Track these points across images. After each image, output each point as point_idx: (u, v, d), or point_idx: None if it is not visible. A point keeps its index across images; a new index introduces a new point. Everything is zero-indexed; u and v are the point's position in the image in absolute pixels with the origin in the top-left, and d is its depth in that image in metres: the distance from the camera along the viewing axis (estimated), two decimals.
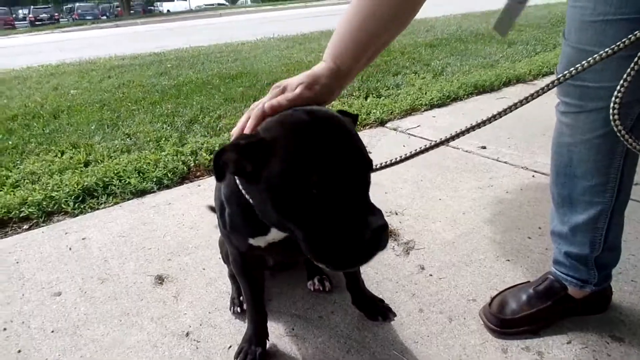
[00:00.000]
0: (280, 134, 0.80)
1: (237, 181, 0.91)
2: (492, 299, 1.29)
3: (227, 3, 32.98)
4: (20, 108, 3.71)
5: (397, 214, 1.90)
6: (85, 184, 2.21)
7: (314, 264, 1.48)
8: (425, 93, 3.51)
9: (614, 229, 1.15)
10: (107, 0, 42.92)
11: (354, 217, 0.77)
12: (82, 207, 2.11)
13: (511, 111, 1.03)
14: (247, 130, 0.88)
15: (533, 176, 2.16)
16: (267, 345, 1.22)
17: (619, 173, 1.07)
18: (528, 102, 1.00)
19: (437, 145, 1.18)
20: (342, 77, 0.93)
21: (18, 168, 2.46)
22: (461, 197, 2.01)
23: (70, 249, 1.79)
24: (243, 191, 0.90)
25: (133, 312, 1.41)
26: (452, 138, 1.12)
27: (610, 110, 0.89)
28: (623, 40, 0.85)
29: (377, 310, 1.31)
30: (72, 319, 1.40)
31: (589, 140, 1.06)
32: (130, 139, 2.81)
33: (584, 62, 0.89)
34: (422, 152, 1.19)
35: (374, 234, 0.76)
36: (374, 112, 3.12)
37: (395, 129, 2.94)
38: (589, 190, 1.11)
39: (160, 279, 1.56)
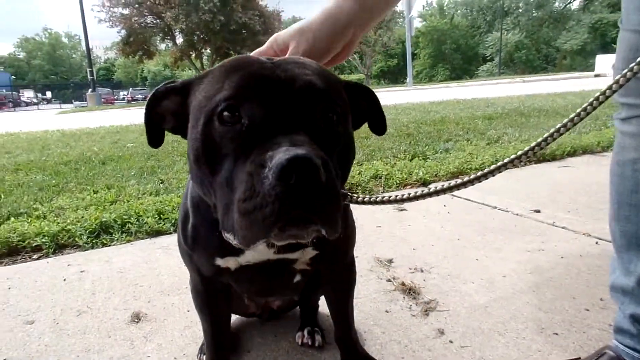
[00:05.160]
0: (214, 69, 0.69)
1: None
2: None
3: None
4: (77, 155, 3.94)
5: (422, 271, 1.62)
6: (104, 219, 2.16)
7: (308, 311, 1.25)
8: (476, 157, 3.26)
9: None
10: None
11: (259, 154, 0.54)
12: (94, 242, 2.04)
13: (566, 130, 0.79)
14: None
15: (597, 243, 1.80)
16: None
17: None
18: (588, 113, 0.75)
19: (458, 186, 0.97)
20: (342, 20, 0.80)
21: (50, 203, 2.50)
22: (503, 258, 1.69)
23: (64, 280, 1.68)
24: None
25: (95, 349, 1.23)
26: (479, 178, 0.91)
27: None
28: None
29: None
30: (30, 349, 1.24)
31: None
32: (163, 184, 2.81)
33: None
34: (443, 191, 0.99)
35: (276, 174, 0.50)
36: (416, 172, 2.91)
37: None
38: None
39: (137, 317, 1.38)
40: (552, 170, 3.07)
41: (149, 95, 0.73)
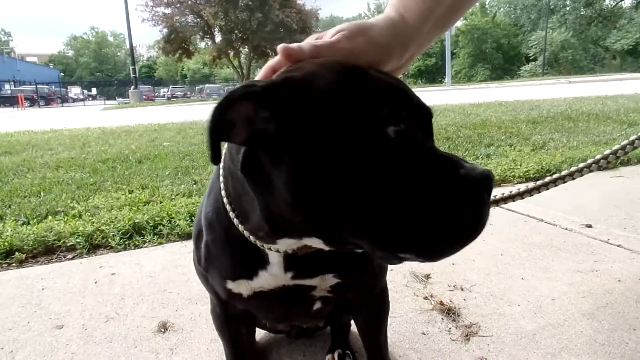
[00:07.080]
0: (316, 70, 0.57)
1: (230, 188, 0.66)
2: None
3: None
4: (115, 154, 4.02)
5: (462, 289, 1.51)
6: (137, 220, 2.16)
7: (339, 331, 1.17)
8: (520, 165, 3.09)
9: None
10: (233, 83, 48.73)
11: (444, 168, 0.56)
12: (127, 243, 2.04)
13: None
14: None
15: None
16: None
17: None
18: None
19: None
20: (404, 32, 0.70)
21: (86, 201, 2.54)
22: (552, 279, 1.56)
23: (95, 282, 1.68)
24: (251, 191, 0.60)
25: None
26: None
27: None
28: None
29: None
30: (57, 356, 1.23)
31: None
32: (196, 185, 2.80)
33: None
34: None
35: (481, 184, 0.54)
36: None
37: None
38: None
39: (164, 327, 1.35)
40: (603, 180, 2.86)
41: (220, 100, 0.53)
